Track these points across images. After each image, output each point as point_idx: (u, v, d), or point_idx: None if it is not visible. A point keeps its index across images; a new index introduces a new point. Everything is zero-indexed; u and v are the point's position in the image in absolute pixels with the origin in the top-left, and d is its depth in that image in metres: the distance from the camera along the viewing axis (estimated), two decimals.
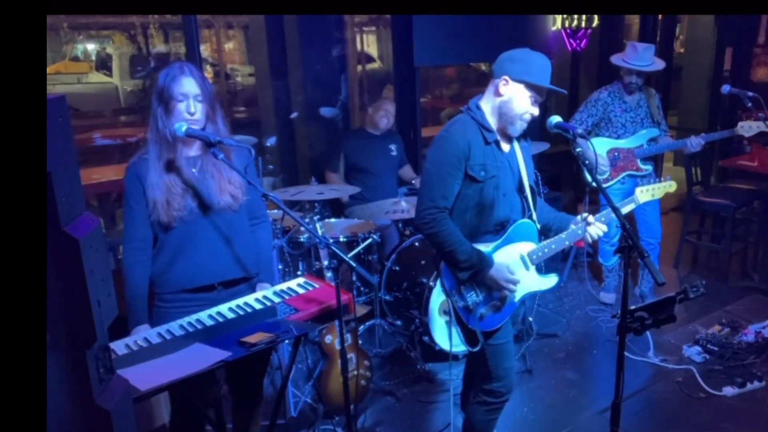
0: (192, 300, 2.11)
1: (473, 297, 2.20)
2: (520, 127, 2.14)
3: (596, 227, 2.21)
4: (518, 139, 2.25)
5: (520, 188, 2.24)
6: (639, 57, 3.70)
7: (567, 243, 2.28)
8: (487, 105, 2.18)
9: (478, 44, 4.64)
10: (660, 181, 2.63)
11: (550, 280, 2.33)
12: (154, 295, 2.15)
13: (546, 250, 2.26)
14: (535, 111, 2.12)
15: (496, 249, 2.20)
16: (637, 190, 2.53)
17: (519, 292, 2.24)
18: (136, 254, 2.08)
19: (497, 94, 2.13)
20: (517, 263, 2.23)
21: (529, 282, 2.27)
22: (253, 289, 2.25)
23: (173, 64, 2.05)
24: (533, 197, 2.27)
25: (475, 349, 2.22)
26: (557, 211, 2.39)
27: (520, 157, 2.25)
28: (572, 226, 2.26)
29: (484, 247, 2.18)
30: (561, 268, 4.44)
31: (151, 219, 2.05)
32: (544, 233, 2.34)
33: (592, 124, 3.88)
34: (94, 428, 1.07)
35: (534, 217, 2.27)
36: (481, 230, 2.19)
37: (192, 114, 2.01)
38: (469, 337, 2.25)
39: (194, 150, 2.11)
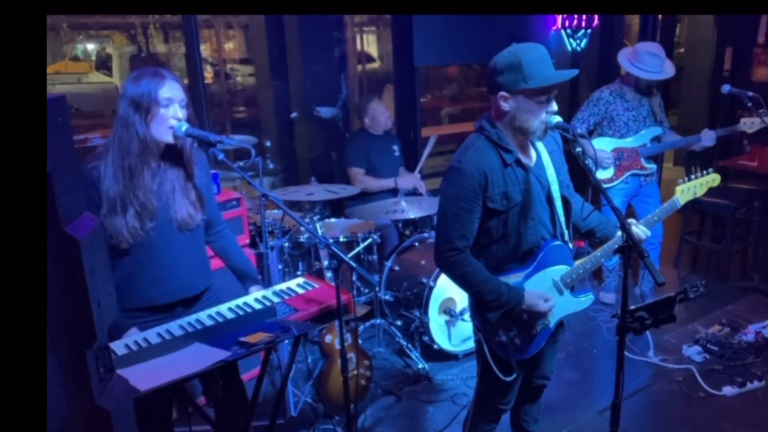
0: (145, 319, 2.05)
1: (508, 334, 2.06)
2: (541, 131, 1.93)
3: (638, 230, 2.06)
4: (544, 140, 2.04)
5: (550, 201, 2.05)
6: (659, 65, 3.64)
7: (603, 260, 2.12)
8: (499, 122, 1.98)
9: (478, 44, 4.64)
10: (699, 176, 2.30)
11: (586, 300, 2.18)
12: None
13: (580, 272, 2.10)
14: (552, 107, 1.91)
15: (526, 278, 2.04)
16: (678, 189, 2.26)
17: (554, 318, 2.10)
18: None
19: (502, 111, 1.93)
20: (551, 290, 2.09)
21: (564, 306, 2.12)
22: (212, 300, 2.21)
23: (144, 70, 1.95)
24: (566, 208, 2.09)
25: (509, 379, 2.11)
26: (602, 216, 2.22)
27: (549, 163, 2.05)
28: (618, 233, 2.06)
29: (514, 278, 2.03)
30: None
31: (109, 241, 1.94)
32: (588, 237, 2.21)
33: (594, 123, 3.88)
34: (94, 428, 1.07)
35: (566, 236, 2.11)
36: (508, 261, 2.04)
37: (179, 119, 1.94)
38: (503, 367, 2.10)
39: (156, 160, 2.01)
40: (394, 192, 3.99)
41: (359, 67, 7.54)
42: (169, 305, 2.09)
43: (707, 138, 3.73)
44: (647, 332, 3.09)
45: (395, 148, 4.26)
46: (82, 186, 1.89)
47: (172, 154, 2.03)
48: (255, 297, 2.18)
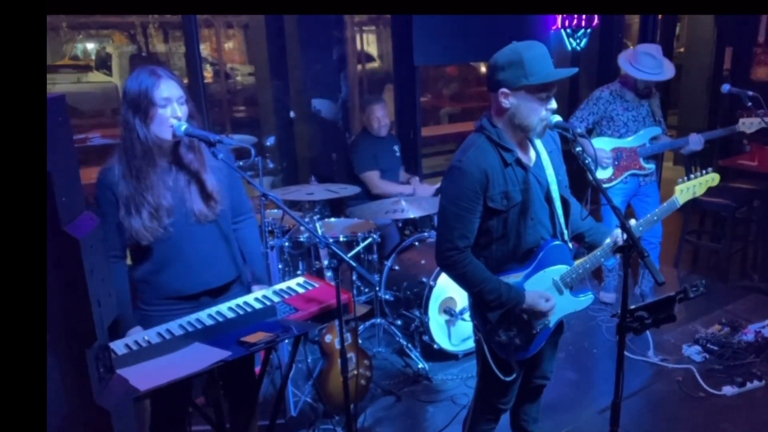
0: (175, 307, 2.09)
1: (508, 333, 2.06)
2: (541, 129, 1.93)
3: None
4: (543, 140, 2.05)
5: (549, 201, 2.06)
6: (658, 66, 3.64)
7: (602, 261, 2.12)
8: (498, 121, 1.97)
9: (478, 44, 4.64)
10: (698, 175, 2.29)
11: (585, 300, 2.19)
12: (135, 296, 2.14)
13: (580, 271, 2.09)
14: (552, 105, 1.91)
15: (526, 278, 2.04)
16: (677, 189, 2.24)
17: (554, 318, 2.10)
18: (115, 262, 2.05)
19: (502, 108, 1.93)
20: (550, 290, 2.09)
21: (564, 305, 2.12)
22: (241, 291, 2.23)
23: (141, 70, 1.96)
24: (565, 208, 2.10)
25: (509, 379, 2.12)
26: (593, 221, 2.22)
27: (548, 163, 2.06)
28: (607, 240, 2.08)
29: (513, 278, 2.03)
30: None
31: (128, 242, 2.00)
32: (578, 239, 2.22)
33: (593, 122, 3.88)
34: (94, 428, 1.07)
35: (566, 235, 2.11)
36: (508, 261, 2.04)
37: (179, 118, 1.95)
38: (503, 366, 2.11)
39: (166, 159, 2.02)
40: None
41: (359, 66, 7.54)
42: (196, 295, 2.12)
43: (694, 142, 3.73)
44: (647, 332, 3.09)
45: (396, 148, 4.27)
46: (101, 189, 1.97)
47: (181, 149, 2.04)
48: (255, 296, 2.18)
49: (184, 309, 2.09)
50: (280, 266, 3.23)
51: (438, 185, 4.18)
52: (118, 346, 1.86)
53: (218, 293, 2.17)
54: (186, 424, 2.25)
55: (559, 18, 5.35)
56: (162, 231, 1.98)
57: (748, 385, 3.17)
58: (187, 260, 2.06)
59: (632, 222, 2.08)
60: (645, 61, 3.65)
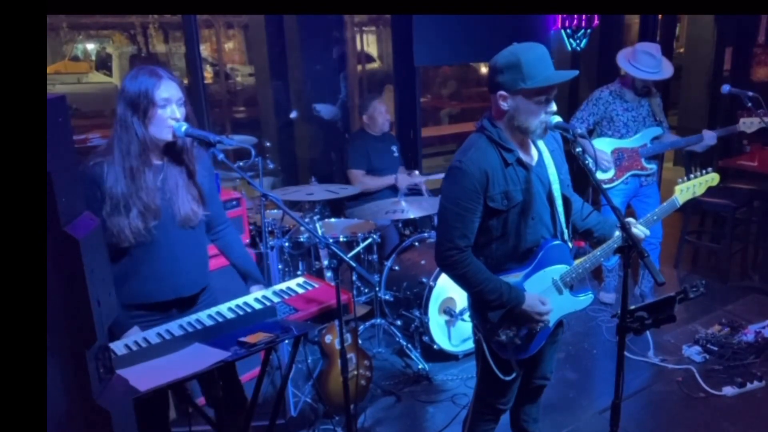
0: (145, 318, 2.05)
1: (507, 333, 2.06)
2: (541, 130, 1.93)
3: (637, 229, 2.06)
4: (545, 139, 2.05)
5: (550, 200, 2.06)
6: (657, 65, 3.65)
7: (602, 260, 2.12)
8: (499, 122, 1.98)
9: (477, 44, 4.64)
10: (698, 175, 2.29)
11: (585, 300, 2.18)
12: None
13: (580, 271, 2.09)
14: (552, 108, 1.91)
15: (526, 278, 2.05)
16: (677, 189, 2.24)
17: (553, 317, 2.09)
18: None
19: (501, 110, 1.94)
20: (550, 289, 2.09)
21: (563, 305, 2.13)
22: (209, 304, 2.19)
23: (140, 69, 1.94)
24: (567, 207, 2.10)
25: (509, 378, 2.12)
26: (600, 216, 2.22)
27: (550, 162, 2.06)
28: (617, 233, 2.07)
29: (513, 277, 2.04)
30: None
31: (111, 240, 1.93)
32: (586, 236, 2.22)
33: (594, 123, 3.88)
34: (94, 428, 1.07)
35: (566, 235, 2.11)
36: (508, 260, 2.05)
37: (177, 120, 1.94)
38: (503, 366, 2.11)
39: (157, 158, 2.01)
40: (393, 190, 3.99)
41: (359, 67, 7.55)
42: (166, 304, 2.08)
43: (709, 137, 3.74)
44: (647, 332, 3.09)
45: (394, 148, 4.27)
46: (85, 184, 1.89)
47: (174, 151, 2.03)
48: (255, 297, 2.18)
49: (151, 320, 2.04)
50: (280, 266, 3.23)
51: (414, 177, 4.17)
52: (118, 347, 1.85)
53: (188, 304, 2.14)
54: (168, 424, 2.23)
55: (559, 18, 5.35)
56: (145, 234, 1.95)
57: (748, 386, 3.17)
58: (163, 263, 2.03)
59: (631, 220, 2.08)
60: (644, 60, 3.66)
